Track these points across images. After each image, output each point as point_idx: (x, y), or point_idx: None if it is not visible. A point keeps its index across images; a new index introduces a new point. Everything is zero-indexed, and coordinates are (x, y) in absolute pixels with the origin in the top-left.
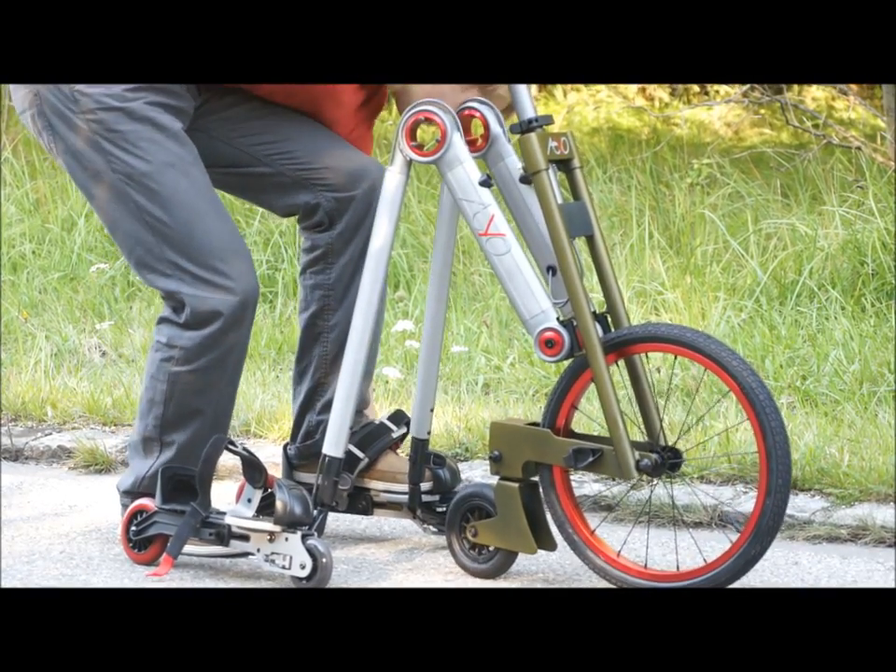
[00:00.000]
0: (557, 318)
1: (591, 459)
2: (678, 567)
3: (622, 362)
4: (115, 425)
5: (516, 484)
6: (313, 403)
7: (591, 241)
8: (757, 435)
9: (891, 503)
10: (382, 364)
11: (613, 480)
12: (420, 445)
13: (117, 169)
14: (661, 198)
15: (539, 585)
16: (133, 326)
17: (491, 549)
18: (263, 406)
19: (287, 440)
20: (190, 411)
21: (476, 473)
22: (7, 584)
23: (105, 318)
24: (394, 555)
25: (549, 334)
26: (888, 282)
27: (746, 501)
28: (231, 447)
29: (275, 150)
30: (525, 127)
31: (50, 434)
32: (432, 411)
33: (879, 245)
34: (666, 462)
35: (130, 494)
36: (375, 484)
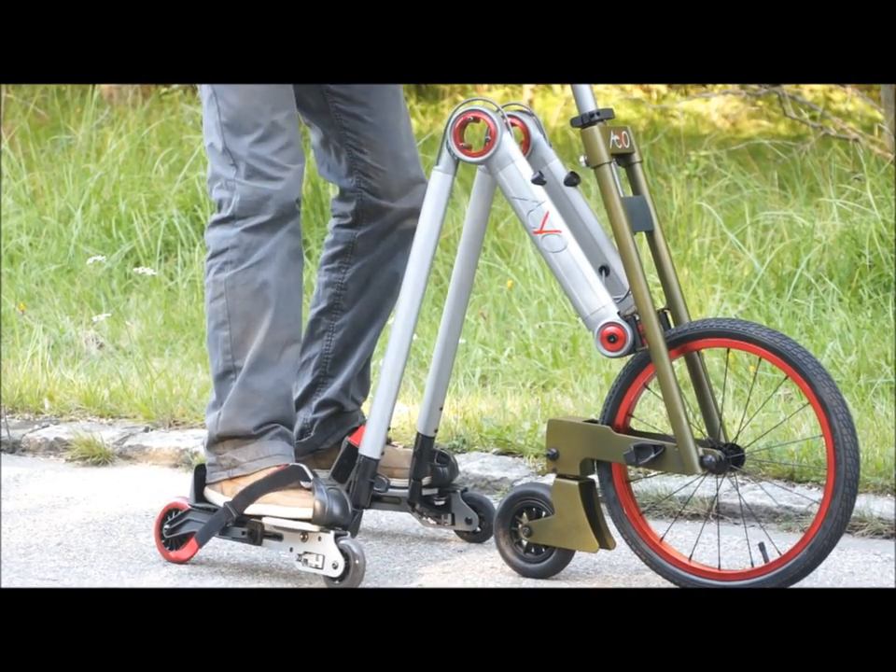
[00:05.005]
0: (618, 313)
1: (652, 455)
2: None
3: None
4: (112, 417)
5: (576, 482)
6: (308, 401)
7: (651, 236)
8: (829, 479)
9: (889, 495)
10: (377, 356)
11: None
12: (426, 442)
13: None
14: (658, 190)
15: (536, 580)
16: (130, 318)
17: (543, 549)
18: None
19: None
20: (254, 316)
21: (473, 465)
22: (4, 576)
23: (101, 310)
24: (392, 547)
25: (611, 329)
26: (885, 273)
27: (743, 493)
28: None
29: (352, 126)
30: (586, 120)
31: (47, 426)
32: (441, 409)
33: (877, 237)
34: (730, 459)
35: (213, 443)
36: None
